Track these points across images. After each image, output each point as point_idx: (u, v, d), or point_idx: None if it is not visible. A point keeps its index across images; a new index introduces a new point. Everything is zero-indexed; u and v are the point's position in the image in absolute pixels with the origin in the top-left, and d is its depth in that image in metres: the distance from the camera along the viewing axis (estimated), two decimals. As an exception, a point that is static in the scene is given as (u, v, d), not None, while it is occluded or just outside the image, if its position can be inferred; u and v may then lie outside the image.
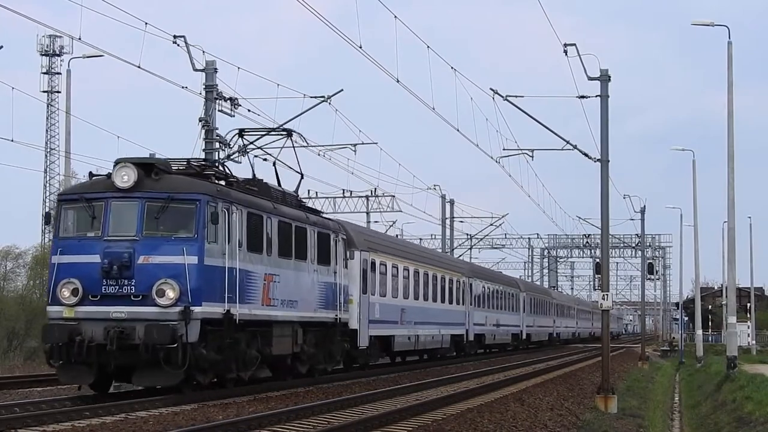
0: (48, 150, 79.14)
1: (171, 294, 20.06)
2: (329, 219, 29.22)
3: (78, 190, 22.00)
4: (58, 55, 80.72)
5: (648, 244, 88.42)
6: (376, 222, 57.60)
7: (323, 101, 33.77)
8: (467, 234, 75.87)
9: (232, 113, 32.04)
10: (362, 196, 55.05)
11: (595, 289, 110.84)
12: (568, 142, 27.32)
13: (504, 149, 33.53)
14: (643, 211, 57.91)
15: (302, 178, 28.65)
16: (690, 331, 76.14)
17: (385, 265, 33.83)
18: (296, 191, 27.83)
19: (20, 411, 18.33)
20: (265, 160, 38.52)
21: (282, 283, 23.89)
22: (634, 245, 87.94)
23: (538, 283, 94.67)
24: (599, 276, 26.03)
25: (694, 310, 67.06)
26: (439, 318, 40.43)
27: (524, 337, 61.27)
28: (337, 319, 28.13)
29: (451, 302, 43.05)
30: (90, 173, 21.97)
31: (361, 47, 25.51)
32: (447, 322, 41.76)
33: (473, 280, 47.63)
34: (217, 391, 22.99)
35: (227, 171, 23.94)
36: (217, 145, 31.85)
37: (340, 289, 28.18)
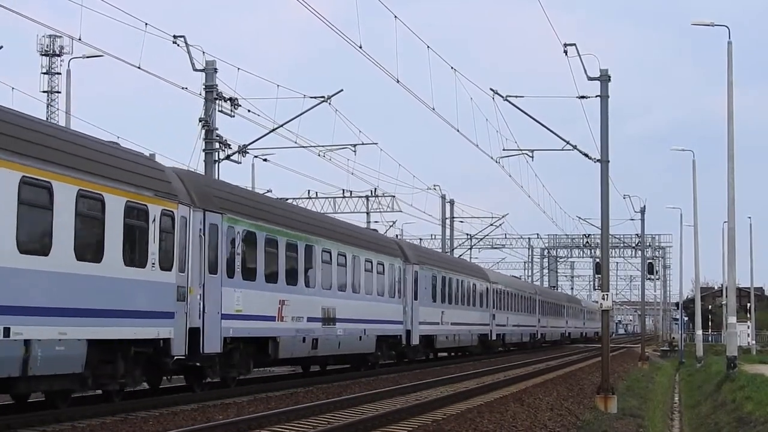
0: (48, 150, 79.04)
1: None
2: None
3: None
4: (58, 56, 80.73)
5: (648, 244, 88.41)
6: (376, 222, 57.61)
7: (323, 101, 33.82)
8: (467, 234, 75.95)
9: (232, 113, 32.06)
10: (362, 196, 55.09)
11: (595, 289, 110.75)
12: (568, 143, 27.33)
13: (504, 149, 33.57)
14: (643, 211, 57.96)
15: None
16: (690, 331, 76.11)
17: None
18: None
19: (20, 411, 18.32)
20: (265, 160, 38.74)
21: None
22: (634, 245, 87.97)
23: (537, 283, 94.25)
24: (599, 276, 26.02)
25: (694, 310, 67.02)
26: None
27: (415, 340, 36.97)
28: None
29: (136, 262, 18.95)
30: None
31: (361, 47, 25.52)
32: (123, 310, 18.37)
33: (239, 227, 23.50)
34: (218, 391, 23.00)
35: None
36: (217, 145, 31.89)
37: None
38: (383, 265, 34.00)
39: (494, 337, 52.15)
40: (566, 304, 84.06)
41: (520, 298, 61.31)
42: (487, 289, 50.97)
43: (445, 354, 48.60)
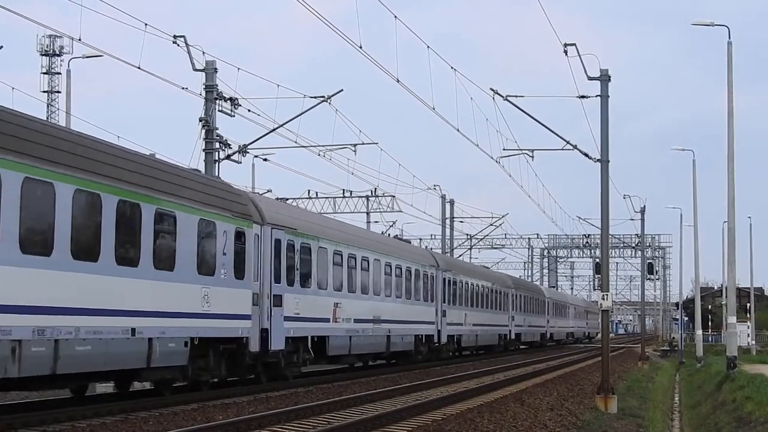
0: (48, 150, 79.10)
1: None
2: None
3: None
4: (58, 55, 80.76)
5: (648, 244, 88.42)
6: (376, 222, 57.58)
7: (323, 101, 33.82)
8: (467, 234, 75.93)
9: (232, 113, 32.05)
10: (362, 196, 55.07)
11: (595, 289, 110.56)
12: (568, 142, 27.33)
13: (504, 149, 33.58)
14: (643, 211, 57.97)
15: None
16: (690, 331, 76.13)
17: None
18: None
19: (20, 411, 18.32)
20: (265, 160, 38.73)
21: None
22: (634, 245, 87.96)
23: (537, 283, 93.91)
24: (599, 276, 26.02)
25: (694, 310, 67.02)
26: None
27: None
28: None
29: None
30: None
31: (361, 47, 25.52)
32: None
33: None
34: (217, 391, 23.00)
35: None
36: (217, 145, 31.89)
37: None
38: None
39: (296, 344, 27.01)
40: (513, 291, 57.76)
41: (403, 273, 36.16)
42: (293, 246, 26.72)
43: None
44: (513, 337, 57.92)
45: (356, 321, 31.72)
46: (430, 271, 40.91)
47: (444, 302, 42.36)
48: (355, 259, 32.00)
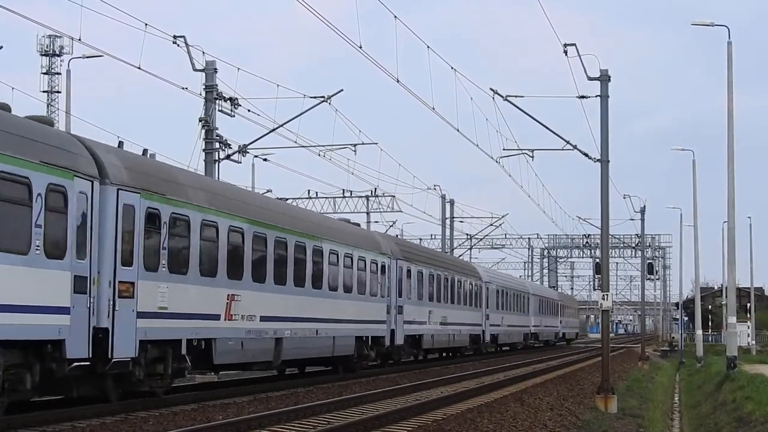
0: (48, 150, 79.08)
1: None
2: None
3: None
4: (58, 56, 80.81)
5: (648, 244, 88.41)
6: (376, 222, 57.52)
7: (323, 101, 33.83)
8: (467, 234, 75.93)
9: (232, 113, 32.06)
10: (362, 196, 55.09)
11: (595, 289, 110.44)
12: (568, 142, 27.32)
13: (504, 149, 33.58)
14: (643, 211, 58.01)
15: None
16: (690, 331, 76.13)
17: None
18: None
19: (20, 411, 18.31)
20: (265, 160, 38.74)
21: None
22: (634, 245, 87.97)
23: (538, 282, 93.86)
24: (599, 276, 26.02)
25: (694, 310, 67.03)
26: None
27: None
28: None
29: None
30: None
31: (361, 47, 25.50)
32: None
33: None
34: (217, 391, 23.01)
35: None
36: (217, 145, 31.89)
37: None
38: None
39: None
40: (402, 265, 35.15)
41: (37, 196, 15.60)
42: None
43: None
44: (401, 341, 34.63)
45: None
46: (162, 207, 19.33)
47: (233, 276, 22.18)
48: None
